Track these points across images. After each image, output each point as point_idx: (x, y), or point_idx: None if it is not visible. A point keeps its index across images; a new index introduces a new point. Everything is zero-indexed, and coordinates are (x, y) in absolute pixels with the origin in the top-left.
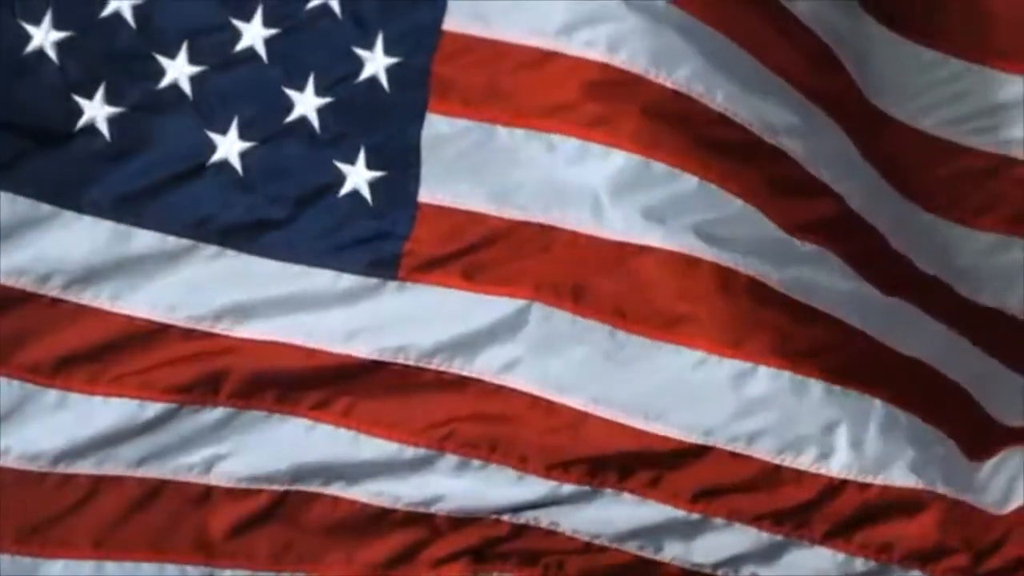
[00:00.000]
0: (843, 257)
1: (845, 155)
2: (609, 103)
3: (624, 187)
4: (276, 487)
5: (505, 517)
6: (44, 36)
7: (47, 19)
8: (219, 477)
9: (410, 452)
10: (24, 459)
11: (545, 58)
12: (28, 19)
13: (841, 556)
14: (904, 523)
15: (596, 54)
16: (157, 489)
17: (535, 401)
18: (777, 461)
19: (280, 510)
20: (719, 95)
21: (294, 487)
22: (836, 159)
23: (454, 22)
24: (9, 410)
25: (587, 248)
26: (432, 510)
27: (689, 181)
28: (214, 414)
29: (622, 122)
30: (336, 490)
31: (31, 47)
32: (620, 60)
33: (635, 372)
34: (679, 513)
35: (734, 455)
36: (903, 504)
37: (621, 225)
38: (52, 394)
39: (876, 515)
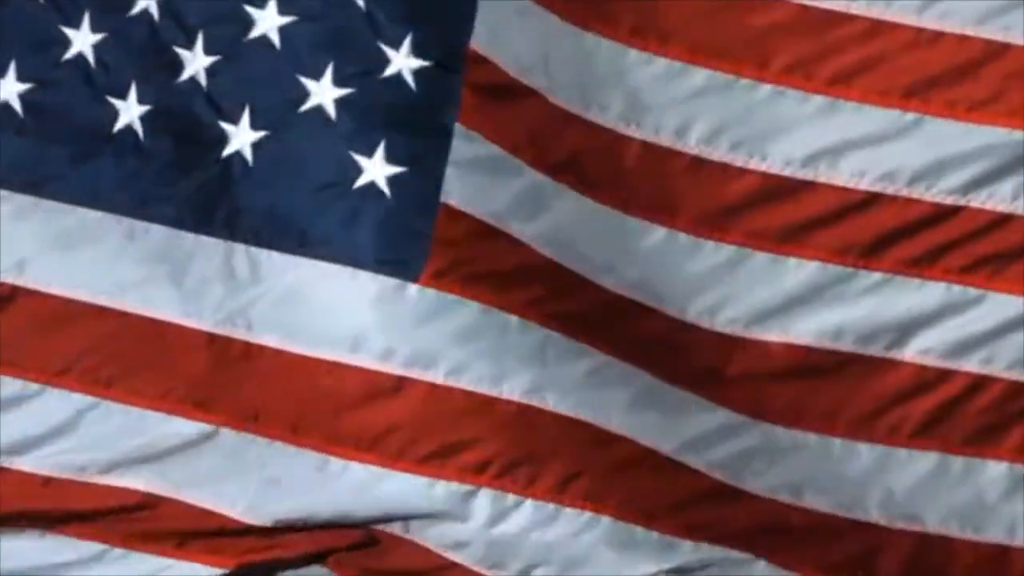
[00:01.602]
0: None
1: None
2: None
3: None
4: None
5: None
6: (83, 40)
7: (85, 23)
8: (249, 516)
9: (441, 487)
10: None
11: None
12: (68, 24)
13: None
14: None
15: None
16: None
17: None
18: None
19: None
20: None
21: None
22: None
23: (479, 44)
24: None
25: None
26: (458, 558)
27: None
28: (247, 440)
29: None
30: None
31: (71, 53)
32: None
33: None
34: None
35: None
36: None
37: None
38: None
39: None
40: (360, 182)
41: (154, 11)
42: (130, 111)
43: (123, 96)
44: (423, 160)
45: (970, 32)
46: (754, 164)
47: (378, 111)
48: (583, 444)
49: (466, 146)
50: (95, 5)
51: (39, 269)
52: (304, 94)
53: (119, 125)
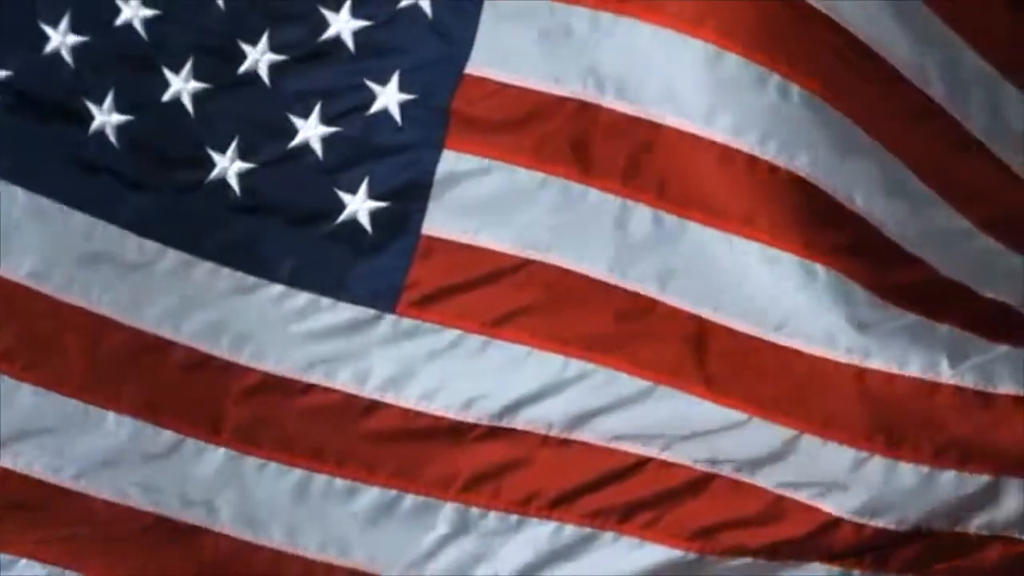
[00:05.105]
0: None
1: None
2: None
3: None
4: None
5: None
6: (61, 39)
7: (65, 22)
8: (222, 526)
9: (409, 500)
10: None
11: (564, 105)
12: (47, 20)
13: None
14: None
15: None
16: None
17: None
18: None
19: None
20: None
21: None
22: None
23: (478, 66)
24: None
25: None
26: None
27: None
28: (216, 455)
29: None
30: (331, 556)
31: (49, 48)
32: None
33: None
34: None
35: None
36: None
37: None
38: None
39: None
40: (342, 217)
41: (139, 26)
42: (104, 116)
43: (99, 103)
44: (406, 193)
45: None
46: None
47: (363, 148)
48: None
49: (456, 167)
50: (77, 6)
51: None
52: (293, 131)
53: (93, 128)
